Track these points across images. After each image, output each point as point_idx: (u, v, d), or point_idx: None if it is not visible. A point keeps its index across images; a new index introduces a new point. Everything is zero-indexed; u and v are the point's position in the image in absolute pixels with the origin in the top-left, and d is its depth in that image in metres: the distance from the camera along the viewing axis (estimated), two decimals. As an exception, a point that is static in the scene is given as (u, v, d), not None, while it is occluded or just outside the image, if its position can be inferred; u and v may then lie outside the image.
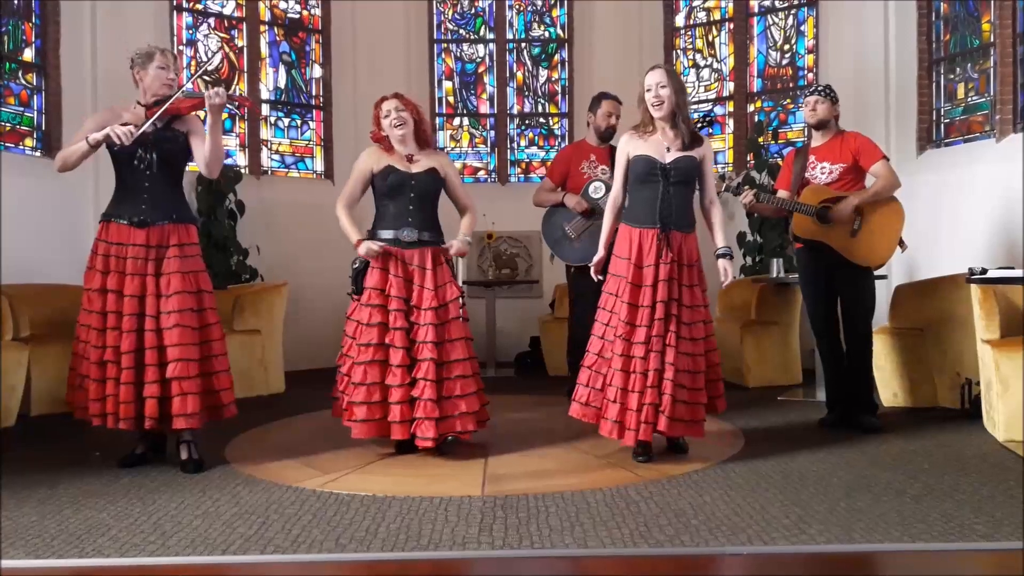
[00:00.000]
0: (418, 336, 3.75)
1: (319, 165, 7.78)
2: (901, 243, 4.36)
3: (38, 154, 6.01)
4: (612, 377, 3.68)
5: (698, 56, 7.90)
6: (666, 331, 3.61)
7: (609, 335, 3.74)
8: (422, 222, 3.90)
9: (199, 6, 7.29)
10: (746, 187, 4.44)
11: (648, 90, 3.76)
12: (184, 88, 3.69)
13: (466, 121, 8.26)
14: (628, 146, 3.85)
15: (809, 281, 4.54)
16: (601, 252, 3.97)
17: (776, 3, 7.50)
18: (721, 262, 3.85)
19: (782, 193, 4.50)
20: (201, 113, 3.77)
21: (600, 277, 3.95)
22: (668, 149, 3.76)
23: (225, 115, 7.33)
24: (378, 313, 3.77)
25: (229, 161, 7.22)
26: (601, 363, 3.76)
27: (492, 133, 8.22)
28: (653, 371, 3.58)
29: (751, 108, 7.58)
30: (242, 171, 7.15)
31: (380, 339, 3.74)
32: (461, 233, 4.06)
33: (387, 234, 3.88)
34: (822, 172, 4.42)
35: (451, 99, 8.22)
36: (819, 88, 4.47)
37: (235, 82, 7.43)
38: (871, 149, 4.38)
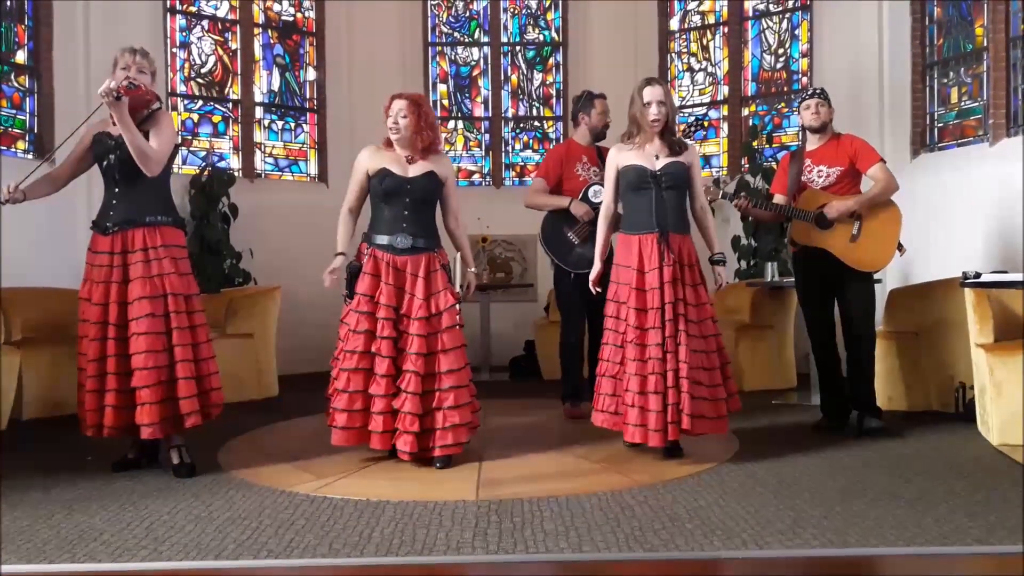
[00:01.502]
0: (406, 346, 3.71)
1: (313, 168, 7.77)
2: (899, 247, 4.36)
3: (30, 157, 5.99)
4: (629, 382, 3.71)
5: (692, 60, 7.91)
6: (676, 331, 3.66)
7: (620, 342, 3.78)
8: (417, 228, 3.82)
9: (192, 8, 7.27)
10: (742, 193, 4.44)
11: (647, 104, 3.80)
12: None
13: (460, 124, 8.26)
14: (617, 158, 3.91)
15: (807, 287, 4.53)
16: (598, 265, 4.00)
17: (770, 7, 7.52)
18: (716, 268, 3.95)
19: (779, 198, 4.50)
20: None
21: (599, 289, 3.98)
22: (657, 157, 3.83)
23: (218, 117, 7.33)
24: (366, 320, 3.72)
25: (222, 164, 7.21)
26: (617, 370, 3.80)
27: (487, 136, 8.22)
28: (671, 372, 3.63)
29: (745, 112, 7.59)
30: (235, 174, 7.11)
31: (366, 347, 3.70)
32: (469, 268, 4.04)
33: (382, 239, 3.82)
34: (819, 175, 4.41)
35: (445, 102, 8.21)
36: (817, 91, 4.48)
37: (229, 84, 7.42)
38: (868, 152, 4.38)
